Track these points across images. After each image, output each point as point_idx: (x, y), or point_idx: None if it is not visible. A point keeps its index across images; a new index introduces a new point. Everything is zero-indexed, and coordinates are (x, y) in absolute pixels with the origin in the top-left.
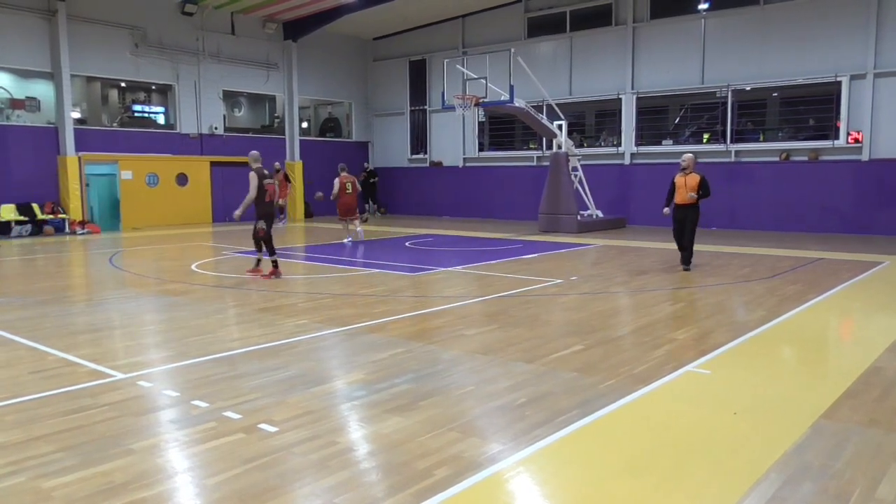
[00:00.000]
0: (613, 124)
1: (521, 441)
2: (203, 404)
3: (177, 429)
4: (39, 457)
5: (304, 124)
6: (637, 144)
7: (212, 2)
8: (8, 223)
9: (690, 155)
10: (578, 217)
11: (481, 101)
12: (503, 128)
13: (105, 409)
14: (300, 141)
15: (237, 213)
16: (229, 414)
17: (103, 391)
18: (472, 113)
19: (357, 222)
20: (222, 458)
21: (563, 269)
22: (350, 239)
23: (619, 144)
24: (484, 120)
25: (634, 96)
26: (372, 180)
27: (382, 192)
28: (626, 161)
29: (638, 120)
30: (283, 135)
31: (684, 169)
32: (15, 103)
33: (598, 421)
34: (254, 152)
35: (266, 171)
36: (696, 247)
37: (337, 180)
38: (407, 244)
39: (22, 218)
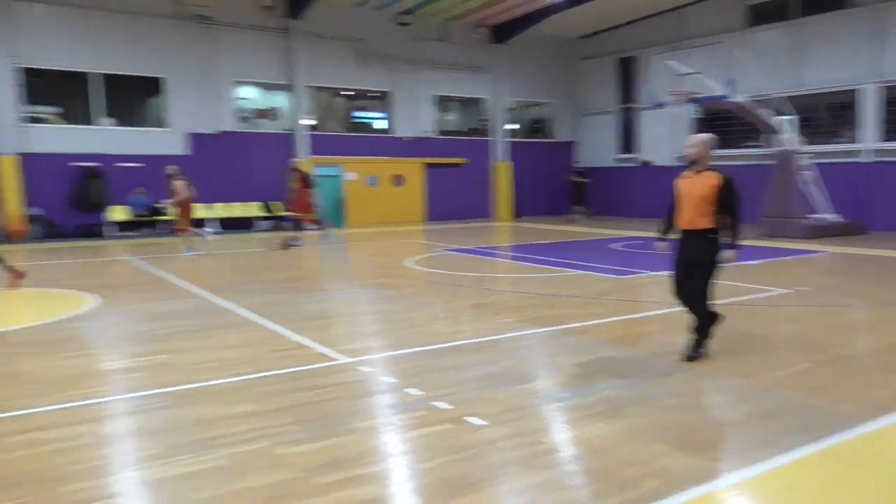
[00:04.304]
0: (849, 118)
1: (738, 461)
2: (416, 392)
3: (392, 413)
4: (278, 426)
5: (513, 126)
6: (884, 140)
7: (426, 10)
8: (252, 219)
9: (701, 136)
10: (808, 221)
11: (695, 96)
12: (719, 125)
13: (331, 389)
14: (507, 142)
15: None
16: (439, 404)
17: (330, 373)
18: (684, 110)
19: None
20: (432, 445)
21: (789, 277)
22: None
23: (856, 140)
24: (698, 117)
25: (878, 86)
26: (582, 180)
27: (589, 193)
28: (867, 159)
29: (884, 112)
30: (491, 136)
31: (692, 163)
32: (259, 113)
33: (830, 449)
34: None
35: None
36: None
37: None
38: (613, 246)
39: (264, 214)
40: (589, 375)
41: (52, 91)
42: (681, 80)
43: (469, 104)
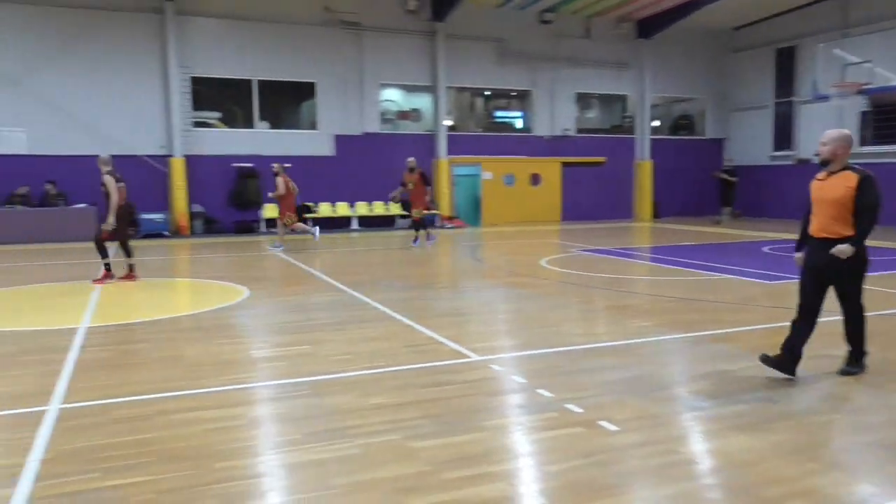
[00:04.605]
0: None
1: None
2: (547, 394)
3: (522, 413)
4: (409, 420)
5: (656, 123)
6: None
7: (568, 8)
8: (393, 217)
9: (835, 132)
10: None
11: (864, 87)
12: (893, 118)
13: (462, 386)
14: (651, 140)
15: (111, 220)
16: (571, 406)
17: (461, 370)
18: (850, 103)
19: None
20: (562, 448)
21: None
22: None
23: None
24: (867, 110)
25: None
26: (731, 179)
27: (738, 193)
28: None
29: None
30: (633, 134)
31: (825, 163)
32: (402, 115)
33: None
34: (104, 156)
35: (117, 175)
36: None
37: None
38: (765, 249)
39: (404, 213)
40: (731, 385)
41: (215, 97)
42: (848, 71)
43: (610, 101)
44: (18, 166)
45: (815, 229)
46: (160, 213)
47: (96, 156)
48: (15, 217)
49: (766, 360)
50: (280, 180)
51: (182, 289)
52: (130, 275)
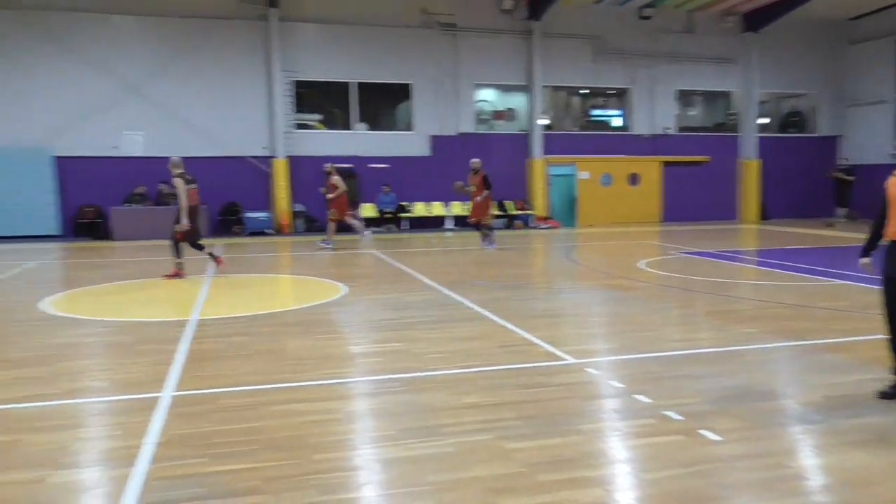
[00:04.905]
0: None
1: None
2: (645, 399)
3: (619, 419)
4: (503, 420)
5: (764, 120)
6: None
7: (670, 2)
8: None
9: None
10: None
11: None
12: None
13: (557, 388)
14: (757, 138)
15: (184, 222)
16: (670, 413)
17: (556, 372)
18: None
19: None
20: (660, 456)
21: None
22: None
23: None
24: None
25: None
26: (848, 178)
27: (854, 193)
28: None
29: None
30: (738, 132)
31: None
32: (497, 115)
33: None
34: (175, 158)
35: (188, 177)
36: None
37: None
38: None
39: (498, 213)
40: (846, 398)
41: (316, 100)
42: None
43: (714, 98)
44: (137, 167)
45: (891, 231)
46: (264, 212)
47: (206, 158)
48: (133, 215)
49: (884, 395)
50: (334, 179)
51: (284, 285)
52: (178, 272)
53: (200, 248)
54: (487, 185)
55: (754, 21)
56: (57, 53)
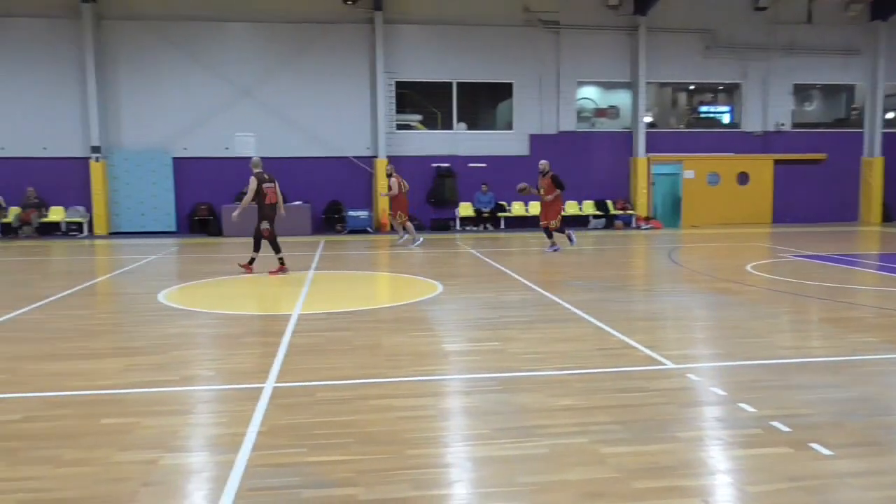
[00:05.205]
0: None
1: None
2: (749, 409)
3: (721, 427)
4: (598, 424)
5: (891, 115)
6: None
7: None
8: (587, 216)
9: None
10: None
11: None
12: None
13: (655, 393)
14: (883, 134)
15: (235, 214)
16: (777, 424)
17: (655, 377)
18: None
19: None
20: (765, 468)
21: None
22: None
23: None
24: None
25: None
26: None
27: None
28: None
29: None
30: (861, 128)
31: None
32: (599, 112)
33: None
34: (255, 158)
35: (266, 176)
36: None
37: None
38: None
39: (598, 212)
40: None
41: (417, 100)
42: None
43: (834, 92)
44: (246, 167)
45: None
46: (364, 210)
47: (312, 157)
48: (245, 212)
49: None
50: (393, 181)
51: (382, 282)
52: (248, 266)
53: (277, 249)
54: (559, 186)
55: (883, 8)
56: (178, 60)
